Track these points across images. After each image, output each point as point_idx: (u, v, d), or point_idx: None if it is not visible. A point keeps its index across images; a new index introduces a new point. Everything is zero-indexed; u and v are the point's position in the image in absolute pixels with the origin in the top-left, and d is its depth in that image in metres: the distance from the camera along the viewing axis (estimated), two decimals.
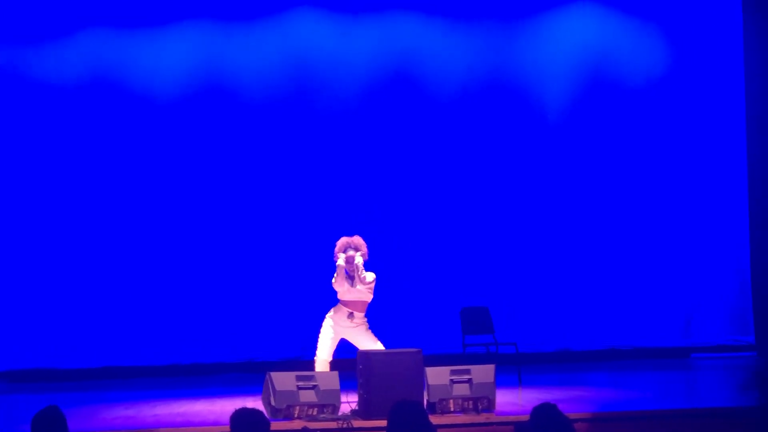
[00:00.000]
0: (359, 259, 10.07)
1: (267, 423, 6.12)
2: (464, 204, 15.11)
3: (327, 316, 10.17)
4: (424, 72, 15.15)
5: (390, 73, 15.10)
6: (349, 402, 9.38)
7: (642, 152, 15.44)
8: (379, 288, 10.32)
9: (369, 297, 10.15)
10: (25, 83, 14.62)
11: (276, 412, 8.94)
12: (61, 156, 14.62)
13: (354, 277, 10.09)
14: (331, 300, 10.56)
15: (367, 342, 10.03)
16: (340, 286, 10.08)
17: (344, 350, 10.46)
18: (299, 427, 8.07)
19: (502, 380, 10.36)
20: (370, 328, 10.20)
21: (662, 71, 15.51)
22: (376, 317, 10.72)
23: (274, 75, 14.97)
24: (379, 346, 10.02)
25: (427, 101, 15.15)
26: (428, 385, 9.22)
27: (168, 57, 14.82)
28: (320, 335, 10.12)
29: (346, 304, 10.10)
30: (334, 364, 10.08)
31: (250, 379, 12.74)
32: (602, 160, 15.38)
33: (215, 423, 8.62)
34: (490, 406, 9.27)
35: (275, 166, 14.94)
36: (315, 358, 10.11)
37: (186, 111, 14.83)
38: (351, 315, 10.06)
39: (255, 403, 9.76)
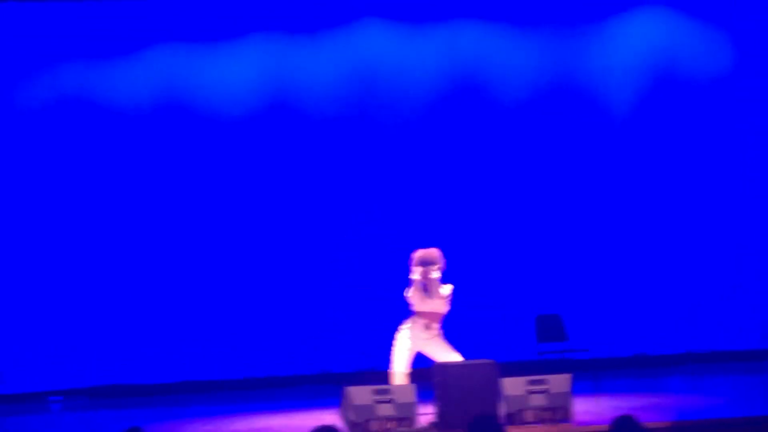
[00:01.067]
0: (436, 274, 10.01)
1: None
2: (535, 212, 15.06)
3: (401, 328, 10.12)
4: (490, 79, 15.12)
5: (457, 82, 15.09)
6: (425, 414, 9.38)
7: (713, 154, 15.31)
8: (453, 297, 10.28)
9: (445, 309, 10.10)
10: (90, 103, 14.76)
11: (354, 427, 8.97)
12: (126, 174, 14.76)
13: (430, 289, 10.06)
14: (404, 310, 10.57)
15: (444, 353, 9.99)
16: (416, 299, 10.04)
17: (419, 361, 10.45)
18: None
19: (578, 387, 10.28)
20: (445, 337, 10.17)
21: (730, 73, 15.37)
22: (451, 326, 10.68)
23: (339, 88, 15.02)
24: (455, 355, 9.99)
25: (496, 109, 15.12)
26: (505, 396, 9.19)
27: (234, 72, 14.92)
28: (396, 348, 10.07)
29: (421, 315, 10.07)
30: (410, 375, 10.08)
31: (327, 391, 12.78)
32: (673, 163, 15.27)
33: None
34: (567, 416, 9.23)
35: (346, 177, 14.99)
36: (391, 371, 10.07)
37: (254, 126, 14.93)
38: (427, 326, 10.02)
39: (332, 417, 9.80)
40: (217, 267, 14.79)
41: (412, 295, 10.06)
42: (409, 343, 10.02)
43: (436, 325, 10.06)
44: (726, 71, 15.38)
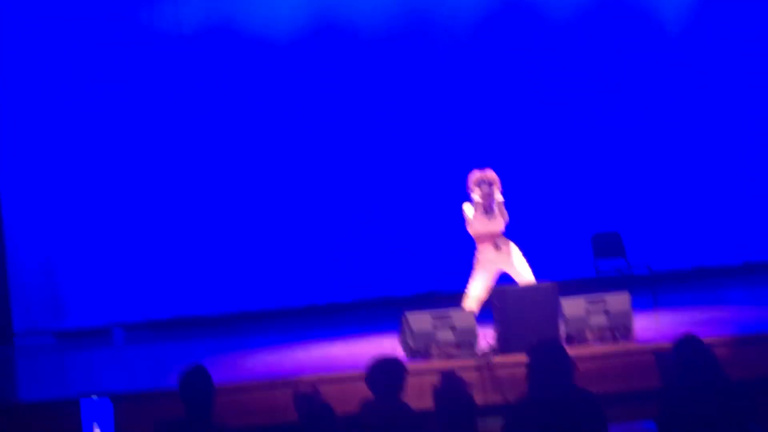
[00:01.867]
0: (499, 197, 9.95)
1: (403, 371, 6.18)
2: (590, 127, 14.91)
3: (477, 256, 10.09)
4: None
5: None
6: (486, 338, 9.38)
7: None
8: (510, 215, 10.21)
9: (501, 227, 10.05)
10: (141, 32, 14.73)
11: (414, 353, 9.00)
12: (181, 105, 14.77)
13: (487, 210, 9.99)
14: (461, 232, 10.52)
15: (518, 269, 9.94)
16: (477, 220, 9.98)
17: None
18: (438, 367, 8.12)
19: (638, 303, 10.21)
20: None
21: None
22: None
23: (387, 8, 14.88)
24: (527, 271, 9.94)
25: (545, 26, 14.93)
26: (564, 317, 9.17)
27: None
28: (474, 271, 10.06)
29: (480, 237, 10.01)
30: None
31: (386, 315, 12.81)
32: (732, 69, 14.99)
33: (354, 367, 8.68)
34: (627, 335, 9.19)
35: (396, 97, 14.89)
36: (466, 294, 10.04)
37: (297, 47, 14.81)
38: (497, 246, 9.97)
39: (392, 342, 9.85)
40: (273, 193, 14.79)
41: (472, 216, 9.98)
42: (482, 270, 9.99)
43: (504, 240, 9.97)
44: None
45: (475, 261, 10.12)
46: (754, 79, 15.01)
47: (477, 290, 9.96)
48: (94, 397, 5.12)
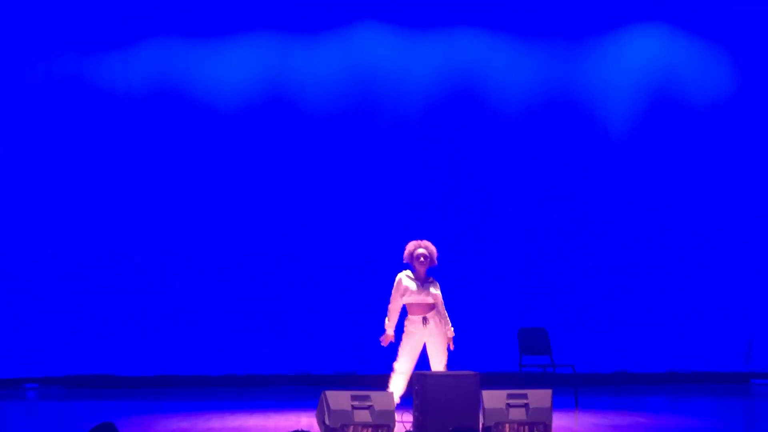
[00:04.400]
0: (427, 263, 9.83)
1: None
2: (524, 223, 15.01)
3: (405, 329, 9.91)
4: (488, 89, 15.09)
5: (454, 89, 15.05)
6: (403, 422, 9.28)
7: (706, 174, 15.26)
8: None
9: (433, 300, 9.86)
10: (89, 91, 14.72)
11: (329, 431, 8.87)
12: (123, 164, 14.72)
13: (421, 279, 9.85)
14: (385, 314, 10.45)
15: (437, 356, 9.80)
16: (407, 290, 9.78)
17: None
18: None
19: (559, 402, 10.21)
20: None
21: (728, 92, 15.33)
22: None
23: (337, 88, 14.99)
24: (443, 357, 9.80)
25: (491, 118, 15.08)
26: (484, 409, 9.09)
27: (232, 67, 14.90)
28: (400, 346, 9.88)
29: (411, 308, 9.84)
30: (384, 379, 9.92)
31: (306, 392, 12.71)
32: (666, 181, 15.22)
33: None
34: None
35: (338, 178, 14.93)
36: (393, 368, 9.87)
37: (249, 121, 14.90)
38: (425, 320, 9.81)
39: (309, 419, 9.74)
40: (200, 261, 14.73)
41: (403, 286, 9.82)
42: (411, 342, 9.82)
43: (433, 318, 9.82)
44: (724, 89, 15.32)
45: (403, 333, 9.94)
46: (684, 188, 15.24)
47: (404, 366, 9.80)
48: None
